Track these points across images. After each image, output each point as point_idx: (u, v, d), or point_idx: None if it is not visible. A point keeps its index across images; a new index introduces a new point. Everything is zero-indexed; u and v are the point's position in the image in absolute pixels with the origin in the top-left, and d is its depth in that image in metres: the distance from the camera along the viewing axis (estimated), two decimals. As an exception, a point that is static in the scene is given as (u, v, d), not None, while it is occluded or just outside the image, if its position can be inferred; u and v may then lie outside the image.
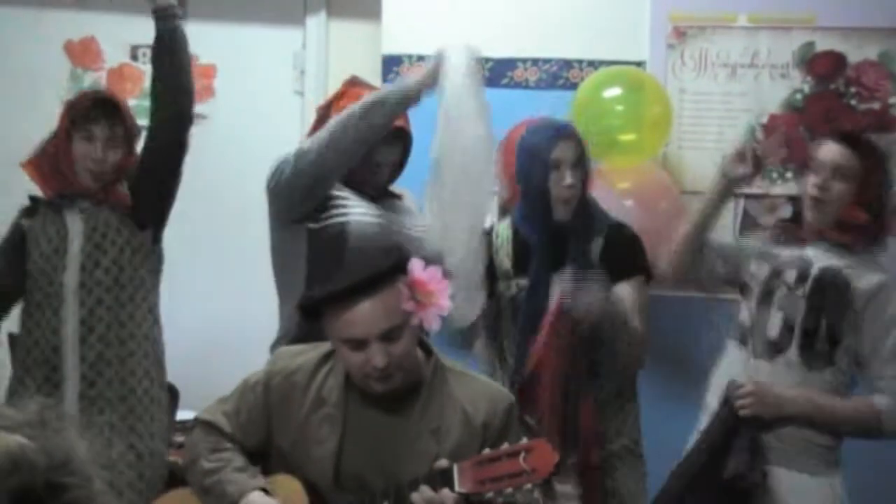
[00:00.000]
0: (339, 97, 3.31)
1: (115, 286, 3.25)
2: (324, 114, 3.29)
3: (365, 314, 2.47)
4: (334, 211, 3.13)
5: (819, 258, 3.03)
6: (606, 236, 3.32)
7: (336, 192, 3.15)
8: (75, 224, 3.26)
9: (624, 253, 3.32)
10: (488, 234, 3.42)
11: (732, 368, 3.10)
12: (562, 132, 3.27)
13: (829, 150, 3.04)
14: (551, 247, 3.27)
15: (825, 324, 2.98)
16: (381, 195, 3.30)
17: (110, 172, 3.26)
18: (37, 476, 1.21)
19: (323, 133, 3.10)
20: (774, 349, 3.02)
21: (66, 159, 3.25)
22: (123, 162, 3.27)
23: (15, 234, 3.34)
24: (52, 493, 1.22)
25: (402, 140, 3.28)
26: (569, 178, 3.22)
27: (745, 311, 3.13)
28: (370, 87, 3.35)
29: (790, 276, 3.03)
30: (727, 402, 3.00)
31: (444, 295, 2.52)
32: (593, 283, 3.25)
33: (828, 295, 2.98)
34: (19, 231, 3.33)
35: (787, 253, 3.09)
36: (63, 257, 3.24)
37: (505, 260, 3.36)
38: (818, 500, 2.99)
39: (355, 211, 3.14)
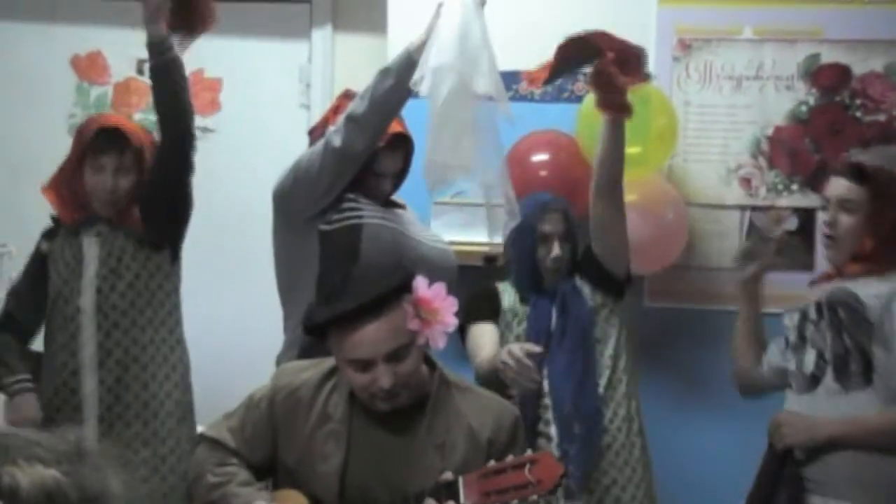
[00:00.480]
0: (335, 110, 3.31)
1: (132, 309, 3.27)
2: (320, 130, 3.29)
3: (371, 335, 2.47)
4: (348, 213, 3.14)
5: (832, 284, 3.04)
6: (583, 255, 3.44)
7: (349, 195, 3.16)
8: (91, 248, 3.28)
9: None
10: (492, 287, 3.51)
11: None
12: (548, 207, 3.38)
13: (834, 186, 3.05)
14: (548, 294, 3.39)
15: (852, 343, 2.93)
16: (384, 205, 3.31)
17: (123, 199, 3.28)
18: None
19: (343, 119, 3.11)
20: (813, 382, 2.98)
21: (80, 188, 3.28)
22: (137, 186, 3.29)
23: (36, 258, 3.37)
24: None
25: (403, 147, 3.29)
26: (556, 251, 3.34)
27: (791, 362, 3.09)
28: None
29: (811, 312, 3.02)
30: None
31: (450, 312, 2.52)
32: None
33: (843, 314, 2.94)
34: (40, 255, 3.36)
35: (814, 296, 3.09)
36: (79, 281, 3.26)
37: (514, 301, 3.45)
38: None
39: (368, 213, 3.15)
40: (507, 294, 3.48)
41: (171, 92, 3.26)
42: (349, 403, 2.60)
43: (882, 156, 3.12)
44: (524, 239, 3.38)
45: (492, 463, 2.43)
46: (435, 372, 2.64)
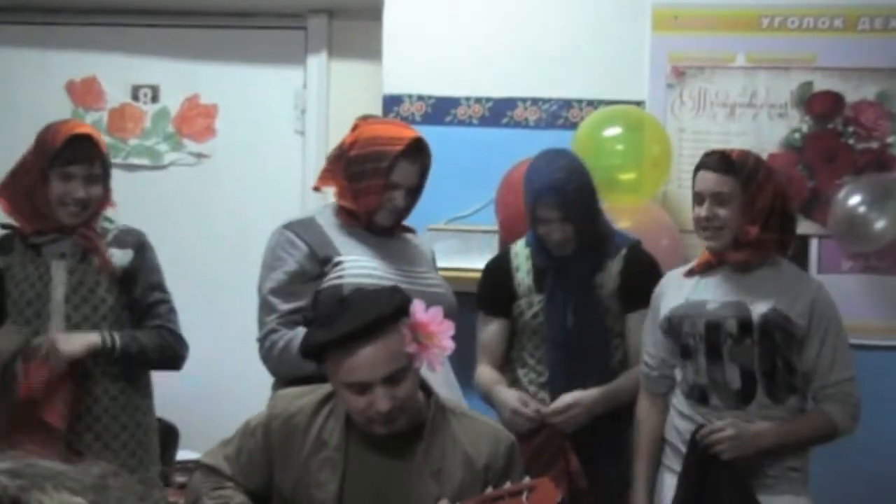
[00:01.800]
0: (353, 129, 3.27)
1: None
2: (339, 153, 3.26)
3: (368, 359, 2.46)
4: (331, 274, 3.11)
5: (749, 298, 3.07)
6: (626, 259, 3.37)
7: (336, 258, 3.13)
8: (59, 272, 3.21)
9: (639, 280, 3.36)
10: (505, 255, 3.46)
11: (687, 423, 3.12)
12: (540, 199, 3.27)
13: (704, 180, 3.12)
14: (563, 271, 3.33)
15: (781, 360, 3.06)
16: (391, 228, 3.26)
17: (90, 209, 3.22)
18: None
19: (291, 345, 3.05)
20: (743, 398, 3.06)
21: (42, 199, 3.19)
22: (102, 198, 3.24)
23: None
24: None
25: (421, 157, 3.22)
26: (556, 235, 3.29)
27: (693, 371, 3.13)
28: (381, 121, 3.37)
29: (731, 326, 3.07)
30: (697, 447, 3.01)
31: (447, 336, 2.52)
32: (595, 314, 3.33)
33: (776, 336, 3.05)
34: None
35: (710, 301, 3.12)
36: (46, 304, 3.20)
37: (526, 278, 3.40)
38: None
39: (349, 272, 3.11)
40: (522, 264, 3.42)
41: (145, 364, 3.29)
42: (345, 430, 2.59)
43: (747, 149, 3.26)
44: (527, 216, 3.35)
45: (489, 490, 2.42)
46: (431, 398, 2.63)
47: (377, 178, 3.13)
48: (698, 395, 3.11)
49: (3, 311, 3.24)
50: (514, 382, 3.39)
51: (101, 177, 3.24)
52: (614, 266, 3.36)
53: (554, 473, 3.14)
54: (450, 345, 2.53)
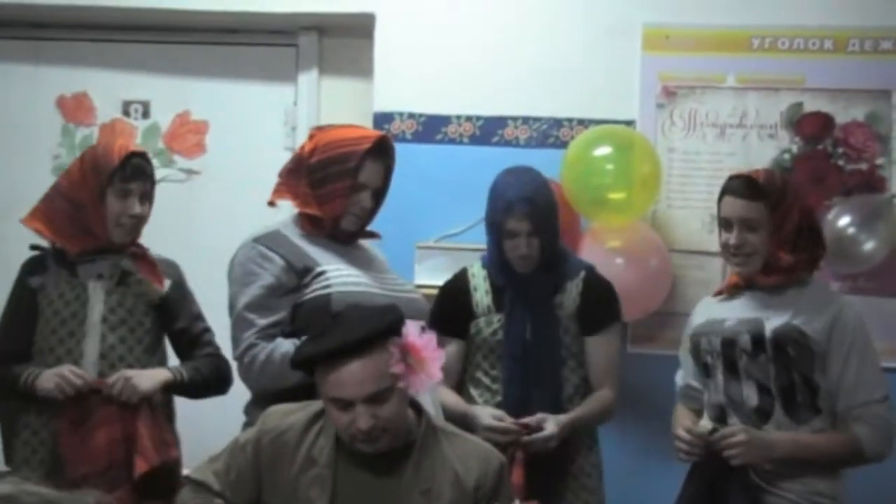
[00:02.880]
0: (309, 139, 3.26)
1: (138, 365, 3.23)
2: (297, 163, 3.24)
3: (353, 375, 2.46)
4: (316, 285, 3.10)
5: (766, 314, 3.05)
6: (585, 282, 3.39)
7: (318, 269, 3.12)
8: (97, 292, 3.22)
9: (599, 303, 3.39)
10: (462, 275, 3.46)
11: None
12: (512, 210, 3.27)
13: (731, 206, 3.08)
14: (520, 288, 3.34)
15: (798, 377, 3.00)
16: (356, 234, 3.25)
17: (141, 226, 3.28)
18: None
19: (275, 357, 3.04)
20: (761, 416, 3.02)
21: (96, 217, 3.21)
22: (148, 214, 3.30)
23: (25, 293, 3.26)
24: None
25: (385, 157, 3.22)
26: (522, 249, 3.29)
27: (714, 389, 3.13)
28: (338, 126, 3.35)
29: (745, 341, 3.04)
30: (712, 452, 2.98)
31: (437, 364, 2.51)
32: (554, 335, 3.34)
33: (790, 351, 3.00)
34: (29, 290, 3.26)
35: (729, 318, 3.12)
36: (83, 324, 3.20)
37: (485, 297, 3.40)
38: None
39: (336, 281, 3.10)
40: (480, 284, 3.42)
41: (209, 392, 3.39)
42: (335, 447, 2.58)
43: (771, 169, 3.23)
44: (492, 229, 3.34)
45: (477, 510, 2.42)
46: (422, 417, 2.63)
47: (343, 181, 3.11)
48: (718, 415, 3.09)
49: (33, 331, 3.24)
50: (468, 403, 3.38)
51: (151, 195, 3.30)
52: (574, 287, 3.38)
53: None
54: (438, 374, 2.53)
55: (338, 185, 3.12)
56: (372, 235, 3.34)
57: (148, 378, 3.18)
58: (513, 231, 3.27)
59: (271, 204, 3.33)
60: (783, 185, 3.09)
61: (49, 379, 3.11)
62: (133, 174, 3.22)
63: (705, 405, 3.17)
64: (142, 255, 3.30)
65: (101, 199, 3.20)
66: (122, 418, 3.13)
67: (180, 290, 3.39)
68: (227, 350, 3.24)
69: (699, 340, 3.15)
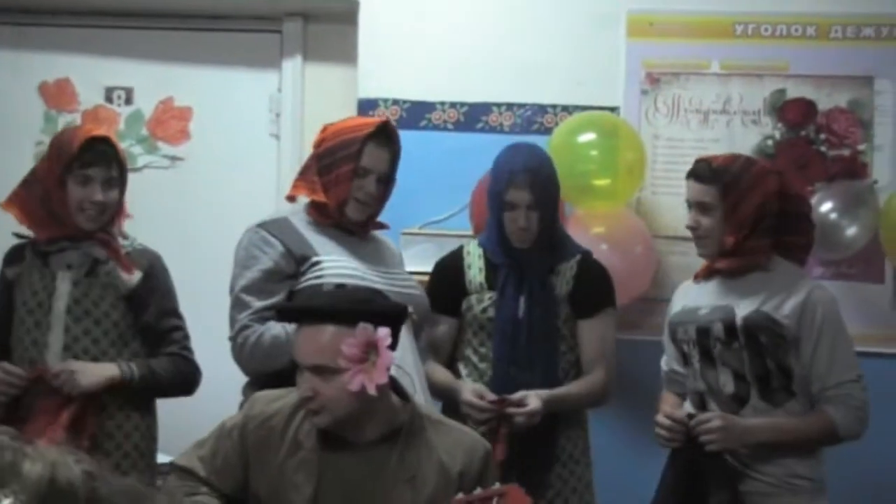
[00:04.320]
0: (321, 132, 3.29)
1: (103, 358, 3.21)
2: (311, 157, 3.27)
3: (307, 340, 2.50)
4: (310, 273, 3.11)
5: (738, 301, 3.08)
6: (580, 265, 3.39)
7: (315, 258, 3.13)
8: (63, 283, 3.19)
9: (593, 287, 3.40)
10: (458, 252, 3.47)
11: None
12: (514, 179, 3.28)
13: (689, 189, 3.16)
14: (516, 266, 3.34)
15: (772, 363, 3.04)
16: (364, 225, 3.26)
17: (108, 213, 3.21)
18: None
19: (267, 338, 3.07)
20: (737, 402, 3.06)
21: (60, 204, 3.17)
22: (120, 202, 3.24)
23: (1, 284, 3.26)
24: None
25: (390, 143, 3.23)
26: (521, 221, 3.28)
27: (692, 377, 3.15)
28: (348, 118, 3.39)
29: (718, 330, 3.08)
30: (691, 438, 3.00)
31: (384, 370, 2.47)
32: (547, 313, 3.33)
33: (761, 338, 3.04)
34: (6, 281, 3.24)
35: (703, 306, 3.15)
36: (48, 315, 3.18)
37: (478, 275, 3.39)
38: None
39: (329, 272, 3.11)
40: (475, 262, 3.42)
41: (161, 392, 3.32)
42: (321, 432, 2.59)
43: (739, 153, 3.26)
44: (493, 200, 3.34)
45: (460, 495, 2.43)
46: (408, 404, 2.64)
47: (347, 164, 3.14)
48: (698, 401, 3.12)
49: (11, 322, 3.22)
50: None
51: (119, 181, 3.23)
52: (568, 270, 3.39)
53: None
54: (381, 379, 2.46)
55: (342, 170, 3.15)
56: (381, 226, 3.35)
57: (91, 374, 3.13)
58: (512, 202, 3.27)
59: (290, 199, 3.33)
60: (741, 170, 3.11)
61: None
62: (93, 160, 3.16)
63: (687, 391, 3.20)
64: (108, 244, 3.24)
65: (62, 185, 3.16)
66: (64, 410, 3.10)
67: (152, 282, 3.29)
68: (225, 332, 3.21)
69: (676, 329, 3.19)
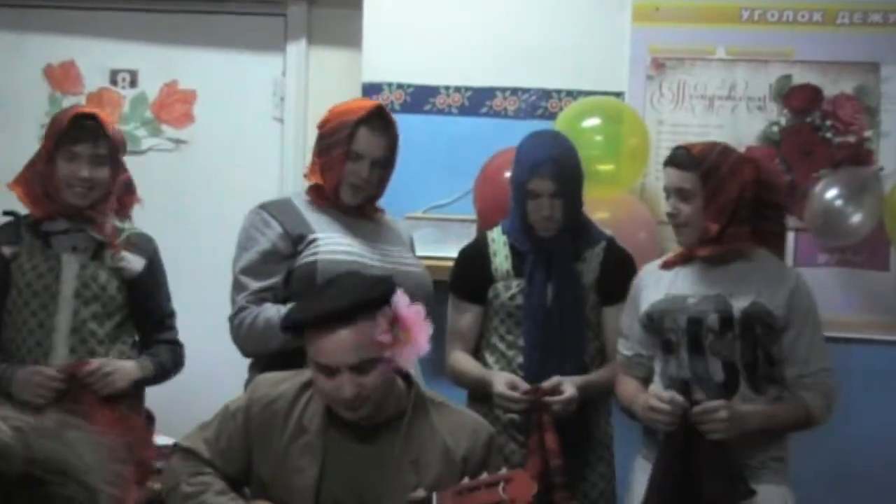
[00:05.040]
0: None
1: (107, 341, 3.23)
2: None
3: (340, 343, 2.47)
4: (306, 252, 3.12)
5: (729, 291, 3.08)
6: (606, 251, 3.39)
7: (311, 236, 3.14)
8: (70, 265, 3.19)
9: (617, 274, 3.37)
10: (482, 240, 3.45)
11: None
12: (536, 170, 3.25)
13: (668, 176, 3.14)
14: (542, 253, 3.32)
15: (761, 352, 3.07)
16: (361, 208, 3.25)
17: (97, 191, 3.21)
18: (13, 465, 1.21)
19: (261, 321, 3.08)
20: (727, 390, 3.06)
21: (50, 181, 3.17)
22: (111, 179, 3.23)
23: None
24: (26, 484, 1.21)
25: (386, 129, 3.21)
26: (545, 210, 3.26)
27: (675, 365, 3.14)
28: (347, 101, 3.37)
29: (713, 321, 3.07)
30: (683, 426, 3.01)
31: (424, 335, 2.51)
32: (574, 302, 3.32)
33: (757, 329, 3.05)
34: (2, 259, 3.21)
35: (689, 294, 3.13)
36: (55, 297, 3.18)
37: (504, 263, 3.37)
38: None
39: (324, 249, 3.12)
40: (500, 250, 3.40)
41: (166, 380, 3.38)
42: (325, 415, 2.59)
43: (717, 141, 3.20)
44: (516, 189, 3.32)
45: (466, 480, 2.44)
46: (412, 388, 2.64)
47: (339, 148, 3.14)
48: (680, 388, 3.11)
49: (3, 300, 3.20)
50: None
51: (108, 158, 3.22)
52: (594, 257, 3.37)
53: (529, 446, 3.16)
54: (425, 346, 2.53)
55: (335, 153, 3.15)
56: (376, 210, 3.34)
57: (122, 377, 3.17)
58: (536, 191, 3.26)
59: (306, 177, 3.33)
60: (720, 157, 3.08)
61: (23, 388, 3.09)
62: (79, 136, 3.17)
63: (660, 375, 3.17)
64: (98, 222, 3.24)
65: (52, 161, 3.17)
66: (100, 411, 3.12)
67: (154, 269, 3.35)
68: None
69: (662, 317, 3.15)
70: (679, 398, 3.02)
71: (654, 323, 3.16)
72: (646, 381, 3.23)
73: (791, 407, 3.08)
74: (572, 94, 4.23)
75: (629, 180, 4.05)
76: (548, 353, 3.29)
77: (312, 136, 3.39)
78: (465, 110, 4.28)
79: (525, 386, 3.18)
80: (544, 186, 3.25)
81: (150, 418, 3.41)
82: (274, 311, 3.04)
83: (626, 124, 3.98)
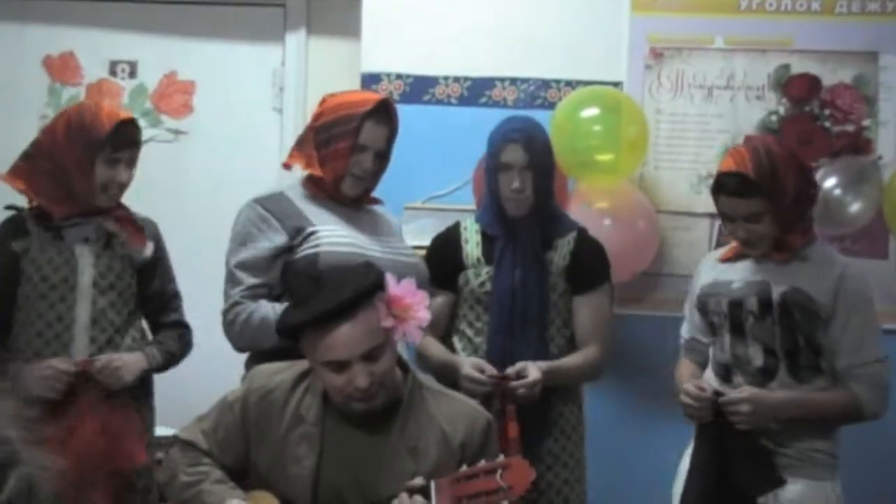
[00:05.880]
0: (320, 104, 3.29)
1: (124, 325, 3.25)
2: (308, 128, 3.27)
3: (346, 337, 2.47)
4: (305, 244, 3.12)
5: (774, 278, 3.06)
6: (577, 241, 3.39)
7: (310, 228, 3.14)
8: (85, 256, 3.20)
9: (589, 263, 3.39)
10: (455, 228, 3.48)
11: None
12: (508, 136, 3.30)
13: (731, 205, 3.04)
14: (511, 238, 3.34)
15: (803, 339, 3.03)
16: (359, 199, 3.26)
17: (124, 190, 3.25)
18: None
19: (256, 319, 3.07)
20: (765, 376, 3.04)
21: (84, 184, 3.16)
22: (132, 178, 3.27)
23: (6, 258, 3.19)
24: None
25: (388, 120, 3.22)
26: (516, 182, 3.28)
27: (719, 348, 3.15)
28: (347, 91, 3.38)
29: (752, 304, 3.06)
30: (717, 416, 3.01)
31: (422, 307, 2.54)
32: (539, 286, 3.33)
33: (796, 314, 3.03)
34: (12, 254, 3.19)
35: (736, 280, 3.13)
36: (73, 289, 3.18)
37: (475, 250, 3.40)
38: None
39: (325, 241, 3.12)
40: (472, 237, 3.42)
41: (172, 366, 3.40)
42: (322, 406, 2.60)
43: (753, 147, 3.10)
44: (489, 164, 3.35)
45: (464, 468, 2.44)
46: (408, 375, 2.65)
47: (345, 141, 3.14)
48: (723, 373, 3.12)
49: (15, 296, 3.19)
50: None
51: (136, 159, 3.27)
52: (565, 245, 3.38)
53: None
54: (426, 316, 2.55)
55: (339, 145, 3.15)
56: (374, 201, 3.34)
57: (130, 369, 3.18)
58: (508, 163, 3.28)
59: (286, 167, 3.33)
60: (771, 165, 3.00)
61: (36, 382, 3.07)
62: (124, 143, 3.19)
63: (710, 360, 3.19)
64: (125, 217, 3.28)
65: (90, 166, 3.15)
66: (104, 406, 3.14)
67: (160, 252, 3.38)
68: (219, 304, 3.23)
69: (707, 300, 3.17)
70: (706, 392, 3.01)
71: (702, 306, 3.18)
72: (704, 365, 3.23)
73: (834, 396, 3.02)
74: (571, 84, 4.23)
75: (628, 170, 4.06)
76: (511, 337, 3.30)
77: (312, 126, 3.38)
78: (464, 100, 4.29)
79: (491, 369, 3.20)
80: (516, 156, 3.27)
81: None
82: (270, 310, 3.04)
83: (625, 114, 3.98)
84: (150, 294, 3.36)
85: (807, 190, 3.09)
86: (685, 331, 3.31)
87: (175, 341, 3.38)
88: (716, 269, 3.21)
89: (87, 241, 3.22)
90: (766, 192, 2.99)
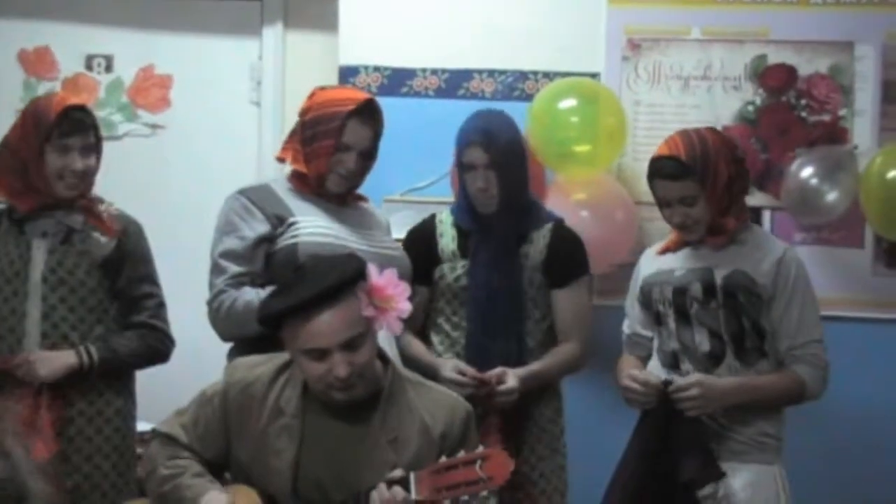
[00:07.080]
0: (309, 97, 3.28)
1: (80, 323, 3.21)
2: (297, 123, 3.27)
3: (326, 325, 2.48)
4: (286, 234, 3.12)
5: (716, 263, 3.11)
6: (553, 233, 3.38)
7: (291, 219, 3.14)
8: (39, 251, 3.17)
9: (566, 256, 3.39)
10: (430, 221, 3.47)
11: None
12: (467, 137, 3.29)
13: (665, 188, 3.11)
14: (485, 233, 3.34)
15: (748, 323, 3.08)
16: (343, 196, 3.25)
17: (87, 180, 3.20)
18: None
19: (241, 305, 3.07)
20: (712, 361, 3.09)
21: (39, 174, 3.14)
22: (96, 167, 3.22)
23: None
24: None
25: (373, 120, 3.21)
26: (479, 182, 3.28)
27: (666, 337, 3.17)
28: (336, 87, 3.39)
29: (696, 290, 3.11)
30: (662, 403, 3.03)
31: (403, 298, 2.55)
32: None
33: (739, 297, 3.07)
34: None
35: (678, 268, 3.16)
36: (25, 284, 3.16)
37: (451, 244, 3.39)
38: (767, 490, 3.07)
39: (305, 231, 3.12)
40: (447, 231, 3.42)
41: (128, 369, 3.33)
42: (302, 398, 2.60)
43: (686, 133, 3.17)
44: (458, 172, 3.36)
45: (443, 459, 2.45)
46: (388, 366, 2.65)
47: (328, 139, 3.13)
48: (671, 361, 3.15)
49: None
50: (428, 348, 3.40)
51: (95, 146, 3.22)
52: (541, 238, 3.37)
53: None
54: (407, 307, 2.56)
55: (323, 143, 3.14)
56: (360, 198, 3.34)
57: (49, 364, 3.12)
58: (470, 163, 3.28)
59: (279, 160, 3.32)
60: (703, 150, 3.07)
61: None
62: (72, 129, 3.15)
63: (656, 351, 3.22)
64: (90, 210, 3.23)
65: (41, 155, 3.14)
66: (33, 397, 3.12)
67: (125, 248, 3.27)
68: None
69: (650, 290, 3.21)
70: (653, 381, 3.04)
71: (644, 297, 3.21)
72: (646, 360, 3.26)
73: (779, 378, 3.08)
74: (549, 76, 4.24)
75: (606, 161, 4.06)
76: (488, 332, 3.31)
77: (290, 119, 3.39)
78: (441, 93, 4.29)
79: (472, 371, 3.21)
80: (476, 156, 3.27)
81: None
82: (254, 294, 3.04)
83: (603, 105, 3.99)
84: (115, 292, 3.28)
85: (739, 177, 3.14)
86: (626, 326, 3.34)
87: (131, 341, 3.27)
88: (657, 261, 3.25)
89: (44, 235, 3.19)
90: (699, 175, 3.05)
